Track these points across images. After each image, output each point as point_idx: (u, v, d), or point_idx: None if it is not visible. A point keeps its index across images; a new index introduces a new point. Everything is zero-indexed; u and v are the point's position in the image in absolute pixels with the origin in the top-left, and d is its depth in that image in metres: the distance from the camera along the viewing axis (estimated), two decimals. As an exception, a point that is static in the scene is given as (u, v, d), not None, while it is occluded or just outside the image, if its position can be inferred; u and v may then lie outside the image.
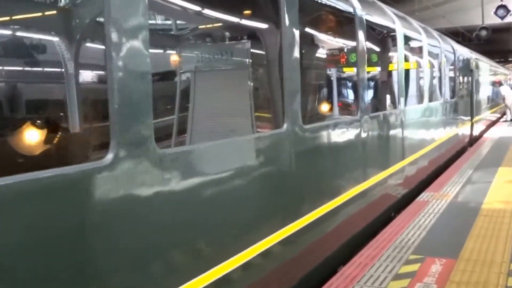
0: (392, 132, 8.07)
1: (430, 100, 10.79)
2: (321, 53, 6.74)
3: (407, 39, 9.02)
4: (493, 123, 25.48)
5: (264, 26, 4.90)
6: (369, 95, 7.13)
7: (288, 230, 4.54)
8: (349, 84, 7.15)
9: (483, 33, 24.06)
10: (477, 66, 19.51)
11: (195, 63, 4.50)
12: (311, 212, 5.06)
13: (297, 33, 4.69)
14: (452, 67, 14.06)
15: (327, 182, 5.73)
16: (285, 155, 4.58)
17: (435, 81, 11.73)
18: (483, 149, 15.14)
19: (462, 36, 29.09)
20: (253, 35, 4.80)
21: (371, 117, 7.00)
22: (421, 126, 10.06)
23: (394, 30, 8.35)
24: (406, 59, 9.11)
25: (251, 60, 4.64)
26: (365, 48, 6.82)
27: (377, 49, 8.13)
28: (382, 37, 8.26)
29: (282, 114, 4.51)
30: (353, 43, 6.66)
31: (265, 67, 4.89)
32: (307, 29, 5.74)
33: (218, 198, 3.66)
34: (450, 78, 13.71)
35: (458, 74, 14.67)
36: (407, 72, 9.48)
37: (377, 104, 8.07)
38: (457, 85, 14.50)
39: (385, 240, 6.46)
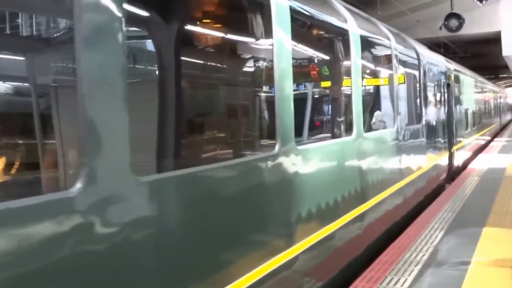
0: (268, 195, 4.17)
1: (369, 128, 6.82)
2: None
3: (301, 23, 5.05)
4: (482, 148, 21.62)
5: None
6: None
7: None
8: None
9: (453, 23, 17.30)
10: (457, 80, 15.54)
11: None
12: None
13: None
14: (416, 79, 10.14)
15: None
16: None
17: (380, 100, 7.73)
18: (465, 188, 11.21)
19: (444, 47, 25.42)
20: None
21: (192, 177, 3.12)
22: (347, 173, 6.03)
23: (265, 5, 4.36)
24: (304, 62, 5.21)
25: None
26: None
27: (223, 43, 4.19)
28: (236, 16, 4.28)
29: None
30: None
31: None
32: None
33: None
34: (412, 95, 9.76)
35: (426, 89, 10.71)
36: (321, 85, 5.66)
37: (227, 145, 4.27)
38: (426, 105, 10.59)
39: None
